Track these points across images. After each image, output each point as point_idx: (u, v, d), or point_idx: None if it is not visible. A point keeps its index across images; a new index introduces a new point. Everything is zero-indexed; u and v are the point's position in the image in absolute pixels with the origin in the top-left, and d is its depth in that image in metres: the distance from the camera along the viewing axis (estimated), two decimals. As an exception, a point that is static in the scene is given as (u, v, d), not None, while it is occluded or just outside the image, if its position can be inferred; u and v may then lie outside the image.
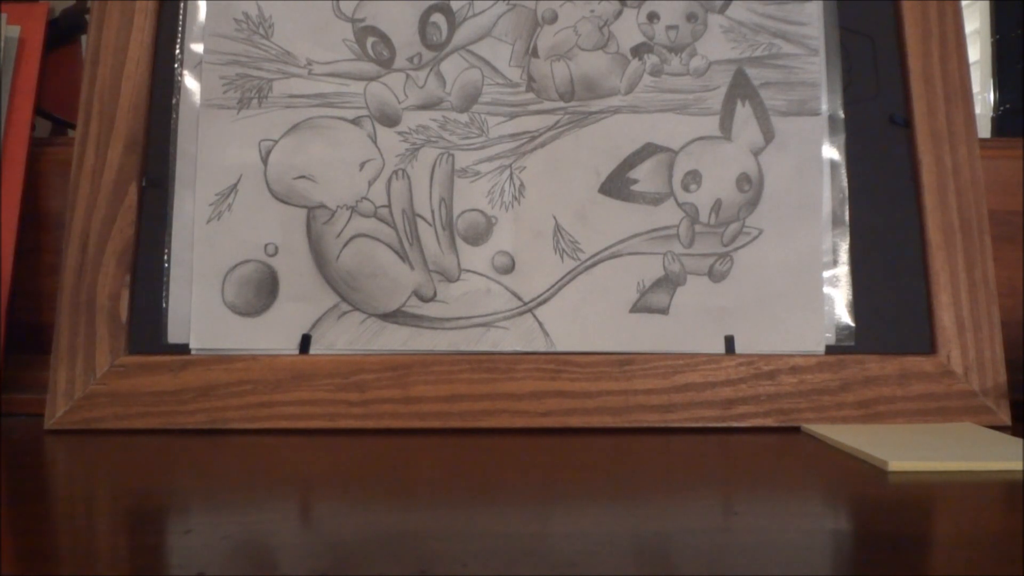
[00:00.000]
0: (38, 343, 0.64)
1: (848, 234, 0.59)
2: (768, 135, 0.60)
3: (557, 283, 0.58)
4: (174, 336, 0.57)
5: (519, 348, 0.57)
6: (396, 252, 0.58)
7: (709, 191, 0.59)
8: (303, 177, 0.58)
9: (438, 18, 0.60)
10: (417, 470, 0.46)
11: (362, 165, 0.59)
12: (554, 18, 0.60)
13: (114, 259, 0.57)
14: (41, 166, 0.66)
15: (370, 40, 0.60)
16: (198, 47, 0.60)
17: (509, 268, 0.58)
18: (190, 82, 0.59)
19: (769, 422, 0.55)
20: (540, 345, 0.57)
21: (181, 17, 0.60)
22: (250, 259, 0.57)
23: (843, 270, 0.59)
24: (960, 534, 0.36)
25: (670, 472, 0.46)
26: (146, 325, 0.57)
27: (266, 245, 0.58)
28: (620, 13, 0.60)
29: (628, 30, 0.60)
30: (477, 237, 0.58)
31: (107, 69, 0.59)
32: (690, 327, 0.57)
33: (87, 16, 0.66)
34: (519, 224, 0.58)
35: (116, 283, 0.57)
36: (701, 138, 0.59)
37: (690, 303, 0.58)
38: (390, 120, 0.59)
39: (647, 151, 0.59)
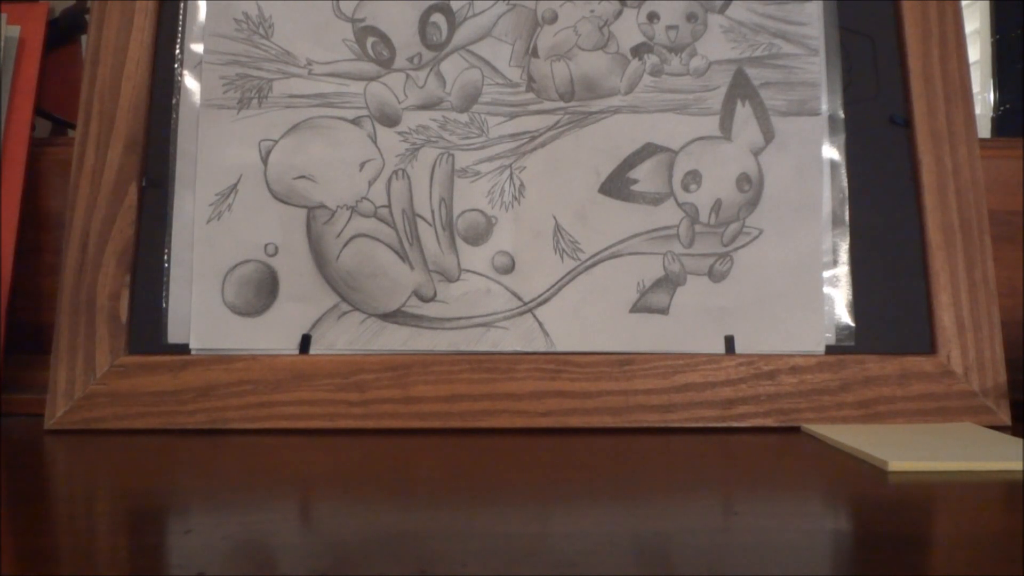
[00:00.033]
0: (38, 343, 0.64)
1: (848, 234, 0.59)
2: (768, 135, 0.60)
3: (557, 283, 0.58)
4: (174, 336, 0.57)
5: (519, 348, 0.57)
6: (396, 252, 0.58)
7: (709, 191, 0.59)
8: (303, 177, 0.58)
9: (438, 18, 0.60)
10: (417, 470, 0.46)
11: (362, 165, 0.59)
12: (554, 18, 0.60)
13: (114, 259, 0.57)
14: (41, 166, 0.66)
15: (370, 40, 0.60)
16: (198, 47, 0.60)
17: (509, 268, 0.58)
18: (190, 82, 0.59)
19: (769, 422, 0.55)
20: (540, 345, 0.57)
21: (181, 17, 0.60)
22: (250, 259, 0.57)
23: (843, 270, 0.59)
24: (960, 534, 0.36)
25: (670, 472, 0.46)
26: (146, 325, 0.57)
27: (266, 245, 0.58)
28: (620, 13, 0.60)
29: (628, 30, 0.60)
30: (477, 237, 0.58)
31: (107, 69, 0.59)
32: (690, 327, 0.57)
33: (87, 16, 0.66)
34: (519, 224, 0.58)
35: (116, 283, 0.57)
36: (701, 138, 0.59)
37: (690, 303, 0.58)
38: (390, 120, 0.59)
39: (647, 151, 0.59)
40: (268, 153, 0.58)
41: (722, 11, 0.61)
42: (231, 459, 0.49)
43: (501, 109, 0.59)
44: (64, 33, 0.72)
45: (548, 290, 0.58)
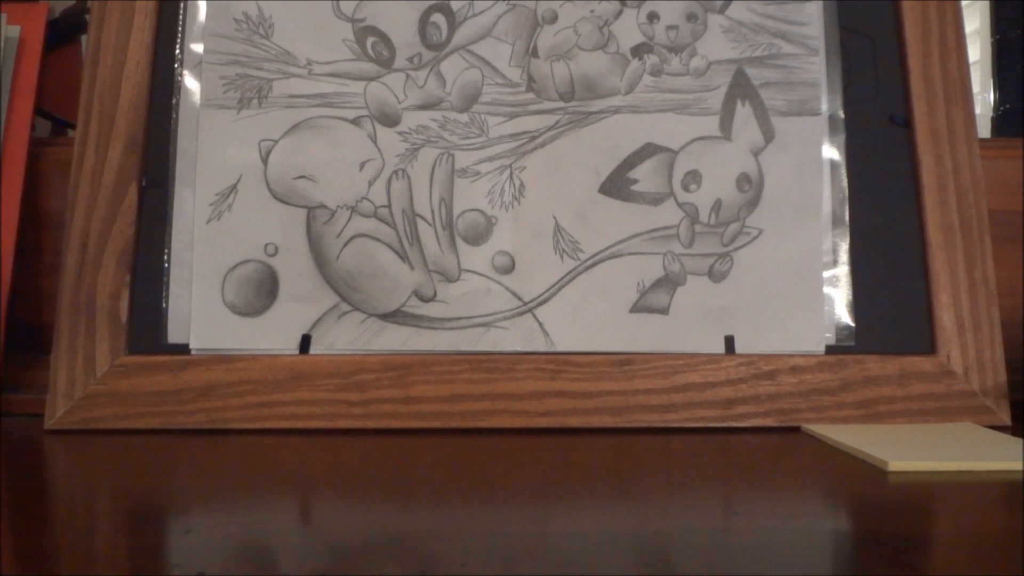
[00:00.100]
0: (38, 343, 0.64)
1: (848, 234, 0.59)
2: (768, 135, 0.60)
3: (557, 283, 0.58)
4: (174, 336, 0.57)
5: (519, 348, 0.57)
6: (396, 252, 0.58)
7: (709, 191, 0.59)
8: (303, 177, 0.58)
9: (438, 18, 0.60)
10: (417, 470, 0.46)
11: (362, 165, 0.59)
12: (554, 18, 0.60)
13: (114, 259, 0.57)
14: (41, 166, 0.66)
15: (370, 40, 0.60)
16: (198, 47, 0.60)
17: (509, 268, 0.58)
18: (190, 82, 0.59)
19: (769, 422, 0.55)
20: (540, 345, 0.57)
21: (181, 17, 0.60)
22: (250, 259, 0.57)
23: (843, 270, 0.59)
24: (960, 534, 0.36)
25: (670, 472, 0.46)
26: (146, 325, 0.57)
27: (266, 245, 0.58)
28: (620, 13, 0.60)
29: (628, 30, 0.60)
30: (477, 237, 0.58)
31: (107, 69, 0.59)
32: (690, 327, 0.57)
33: (87, 16, 0.66)
34: (519, 224, 0.58)
35: (116, 283, 0.57)
36: (701, 138, 0.59)
37: (690, 303, 0.58)
38: (390, 120, 0.59)
39: (647, 151, 0.59)
40: (268, 153, 0.58)
41: (722, 11, 0.61)
42: (231, 459, 0.49)
43: (501, 109, 0.59)
44: (64, 33, 0.72)
45: (548, 290, 0.58)
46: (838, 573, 0.32)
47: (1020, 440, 0.49)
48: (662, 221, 0.59)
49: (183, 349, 0.56)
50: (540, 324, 0.57)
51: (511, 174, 0.59)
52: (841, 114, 0.60)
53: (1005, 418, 0.56)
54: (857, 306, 0.58)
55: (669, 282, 0.58)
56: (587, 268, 0.58)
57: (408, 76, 0.59)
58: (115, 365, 0.55)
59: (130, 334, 0.56)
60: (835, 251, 0.59)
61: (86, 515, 0.38)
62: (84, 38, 0.69)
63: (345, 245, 0.58)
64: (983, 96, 0.90)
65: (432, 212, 0.58)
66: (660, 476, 0.45)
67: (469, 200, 0.58)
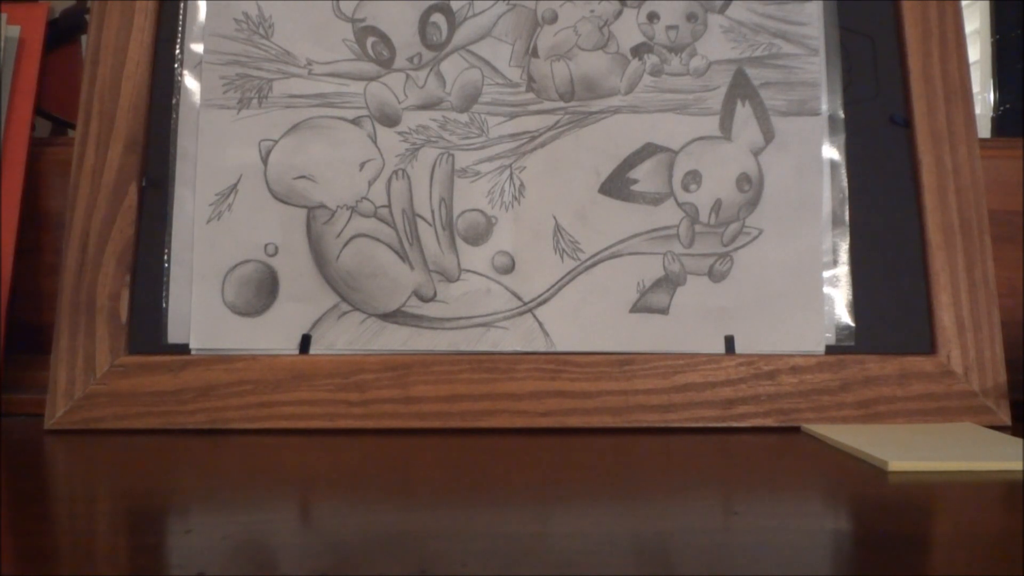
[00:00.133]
0: (38, 343, 0.64)
1: (848, 234, 0.59)
2: (768, 135, 0.60)
3: (557, 283, 0.58)
4: (174, 336, 0.57)
5: (519, 348, 0.57)
6: (396, 252, 0.58)
7: (709, 191, 0.59)
8: (303, 177, 0.58)
9: (438, 18, 0.60)
10: (417, 470, 0.46)
11: (362, 165, 0.59)
12: (554, 18, 0.60)
13: (114, 259, 0.57)
14: (41, 166, 0.66)
15: (370, 40, 0.60)
16: (198, 47, 0.60)
17: (509, 268, 0.58)
18: (190, 82, 0.59)
19: (769, 422, 0.55)
20: (540, 345, 0.57)
21: (181, 17, 0.60)
22: (250, 259, 0.57)
23: (843, 270, 0.59)
24: (960, 534, 0.36)
25: (670, 472, 0.46)
26: (146, 325, 0.57)
27: (266, 245, 0.58)
28: (620, 13, 0.60)
29: (628, 30, 0.60)
30: (477, 237, 0.58)
31: (107, 69, 0.59)
32: (690, 327, 0.57)
33: (87, 16, 0.66)
34: (519, 224, 0.58)
35: (116, 283, 0.57)
36: (701, 138, 0.59)
37: (690, 303, 0.58)
38: (390, 120, 0.59)
39: (647, 151, 0.59)
40: (268, 153, 0.58)
41: (722, 11, 0.61)
42: (231, 459, 0.49)
43: (501, 109, 0.59)
44: (64, 33, 0.72)
45: (548, 290, 0.58)
46: (838, 573, 0.32)
47: (1020, 440, 0.49)
48: (662, 221, 0.59)
49: (183, 349, 0.56)
50: (540, 324, 0.57)
51: (511, 174, 0.59)
52: (841, 114, 0.60)
53: (1005, 418, 0.56)
54: (857, 306, 0.58)
55: (669, 282, 0.58)
56: (587, 268, 0.58)
57: (408, 76, 0.59)
58: (115, 365, 0.55)
59: (130, 334, 0.56)
60: (835, 251, 0.59)
61: (86, 515, 0.38)
62: (84, 38, 0.69)
63: (345, 245, 0.58)
64: (983, 96, 0.90)
65: (432, 212, 0.58)
66: (660, 476, 0.45)
67: (469, 200, 0.58)
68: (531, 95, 0.60)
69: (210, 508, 0.39)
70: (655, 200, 0.59)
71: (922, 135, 0.60)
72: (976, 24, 0.93)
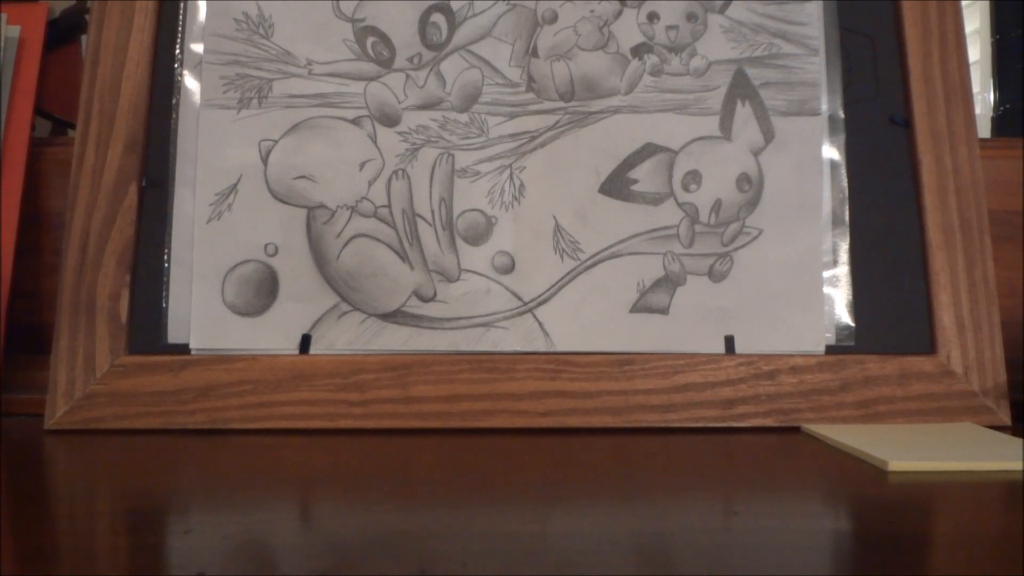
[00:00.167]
0: (38, 343, 0.64)
1: (848, 234, 0.59)
2: (768, 135, 0.60)
3: (557, 283, 0.58)
4: (174, 336, 0.57)
5: (519, 348, 0.57)
6: (396, 252, 0.58)
7: (709, 191, 0.59)
8: (303, 177, 0.58)
9: (438, 18, 0.60)
10: (417, 470, 0.46)
11: (362, 165, 0.59)
12: (554, 18, 0.60)
13: (114, 259, 0.57)
14: (41, 166, 0.66)
15: (370, 40, 0.60)
16: (198, 47, 0.60)
17: (509, 268, 0.58)
18: (190, 82, 0.59)
19: (769, 422, 0.55)
20: (540, 345, 0.57)
21: (181, 17, 0.60)
22: (250, 259, 0.57)
23: (843, 270, 0.59)
24: (960, 534, 0.36)
25: (670, 472, 0.46)
26: (146, 325, 0.57)
27: (266, 245, 0.58)
28: (620, 13, 0.60)
29: (628, 30, 0.60)
30: (477, 237, 0.58)
31: (107, 69, 0.59)
32: (690, 327, 0.57)
33: (87, 16, 0.66)
34: (519, 224, 0.58)
35: (116, 283, 0.57)
36: (701, 138, 0.59)
37: (690, 303, 0.58)
38: (390, 120, 0.59)
39: (647, 151, 0.59)
40: (268, 153, 0.58)
41: (722, 11, 0.61)
42: (231, 459, 0.49)
43: (501, 109, 0.59)
44: (64, 33, 0.72)
45: (548, 290, 0.58)
46: (838, 573, 0.32)
47: (1020, 440, 0.49)
48: (662, 221, 0.59)
49: (183, 349, 0.56)
50: (540, 324, 0.57)
51: (511, 174, 0.59)
52: (841, 114, 0.60)
53: (1005, 418, 0.56)
54: (857, 306, 0.58)
55: (669, 282, 0.58)
56: (587, 268, 0.58)
57: (408, 76, 0.59)
58: (115, 365, 0.55)
59: (130, 334, 0.56)
60: (835, 251, 0.59)
61: (86, 515, 0.38)
62: (84, 38, 0.69)
63: (345, 245, 0.58)
64: (983, 96, 0.90)
65: (432, 212, 0.58)
66: (660, 476, 0.45)
67: (469, 200, 0.58)
68: (531, 95, 0.60)
69: (210, 508, 0.39)
70: (655, 200, 0.59)
71: (922, 135, 0.60)
72: (976, 24, 0.94)
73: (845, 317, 0.58)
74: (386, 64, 0.60)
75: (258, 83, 0.59)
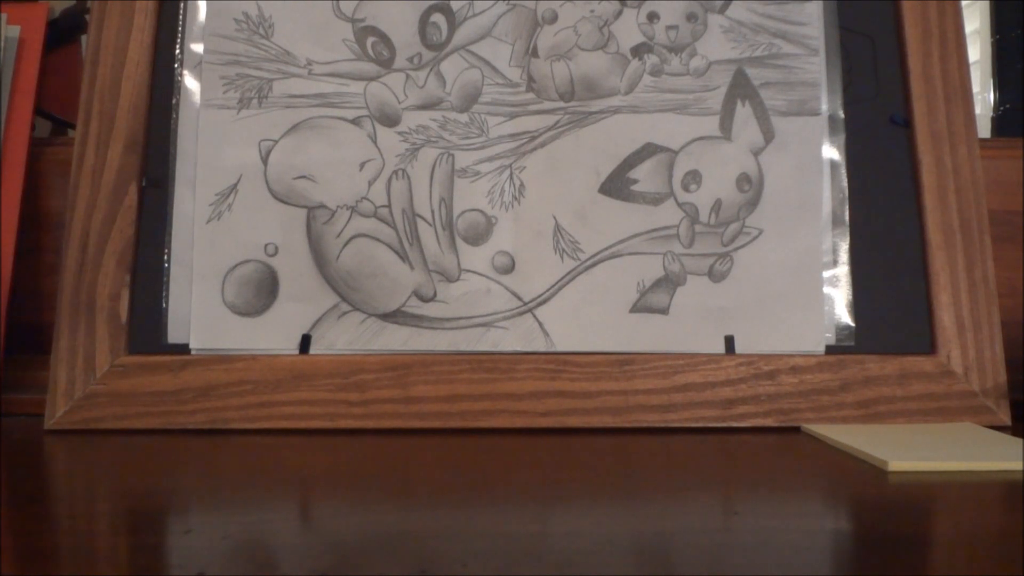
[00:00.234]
0: (38, 343, 0.64)
1: (848, 234, 0.59)
2: (768, 135, 0.60)
3: (557, 283, 0.58)
4: (174, 336, 0.57)
5: (519, 348, 0.57)
6: (396, 252, 0.58)
7: (709, 191, 0.59)
8: (303, 177, 0.58)
9: (438, 18, 0.60)
10: (417, 470, 0.46)
11: (362, 165, 0.59)
12: (554, 18, 0.60)
13: (114, 259, 0.57)
14: (41, 166, 0.66)
15: (370, 40, 0.60)
16: (198, 47, 0.60)
17: (509, 268, 0.58)
18: (190, 82, 0.59)
19: (769, 422, 0.55)
20: (540, 345, 0.57)
21: (181, 17, 0.60)
22: (250, 259, 0.57)
23: (843, 270, 0.59)
24: (960, 534, 0.36)
25: (670, 472, 0.46)
26: (146, 325, 0.57)
27: (266, 245, 0.58)
28: (620, 13, 0.60)
29: (628, 30, 0.60)
30: (477, 237, 0.58)
31: (107, 69, 0.59)
32: (690, 327, 0.57)
33: (87, 16, 0.66)
34: (519, 224, 0.58)
35: (116, 283, 0.57)
36: (701, 138, 0.59)
37: (690, 303, 0.58)
38: (390, 120, 0.59)
39: (647, 151, 0.59)
40: (268, 153, 0.58)
41: (722, 11, 0.61)
42: (231, 459, 0.49)
43: (501, 109, 0.59)
44: (64, 33, 0.72)
45: (548, 290, 0.58)
46: (838, 573, 0.32)
47: (1020, 440, 0.49)
48: (662, 221, 0.59)
49: (183, 349, 0.56)
50: (540, 324, 0.57)
51: (511, 174, 0.59)
52: (841, 114, 0.60)
53: (1005, 418, 0.56)
54: (857, 306, 0.58)
55: (669, 282, 0.58)
56: (587, 268, 0.58)
57: (408, 76, 0.59)
58: (115, 365, 0.55)
59: (130, 334, 0.56)
60: (835, 251, 0.59)
61: (86, 515, 0.38)
62: (84, 38, 0.69)
63: (345, 245, 0.58)
64: (983, 96, 0.90)
65: (432, 212, 0.58)
66: (660, 476, 0.45)
67: (469, 200, 0.58)
68: (531, 95, 0.60)
69: (210, 508, 0.39)
70: (655, 200, 0.59)
71: (922, 135, 0.60)
72: (976, 24, 0.94)
73: (845, 317, 0.58)
74: (386, 64, 0.60)
75: (258, 83, 0.59)
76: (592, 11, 0.60)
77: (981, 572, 0.31)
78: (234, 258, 0.57)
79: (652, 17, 0.60)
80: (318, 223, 0.58)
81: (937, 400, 0.56)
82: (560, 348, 0.57)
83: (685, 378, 0.56)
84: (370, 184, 0.58)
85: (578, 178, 0.59)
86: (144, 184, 0.58)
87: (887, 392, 0.56)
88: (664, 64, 0.60)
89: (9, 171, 0.63)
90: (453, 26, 0.60)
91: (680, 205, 0.59)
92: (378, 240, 0.58)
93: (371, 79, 0.59)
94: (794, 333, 0.57)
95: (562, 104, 0.59)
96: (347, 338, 0.57)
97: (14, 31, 0.65)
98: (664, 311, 0.58)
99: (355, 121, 0.59)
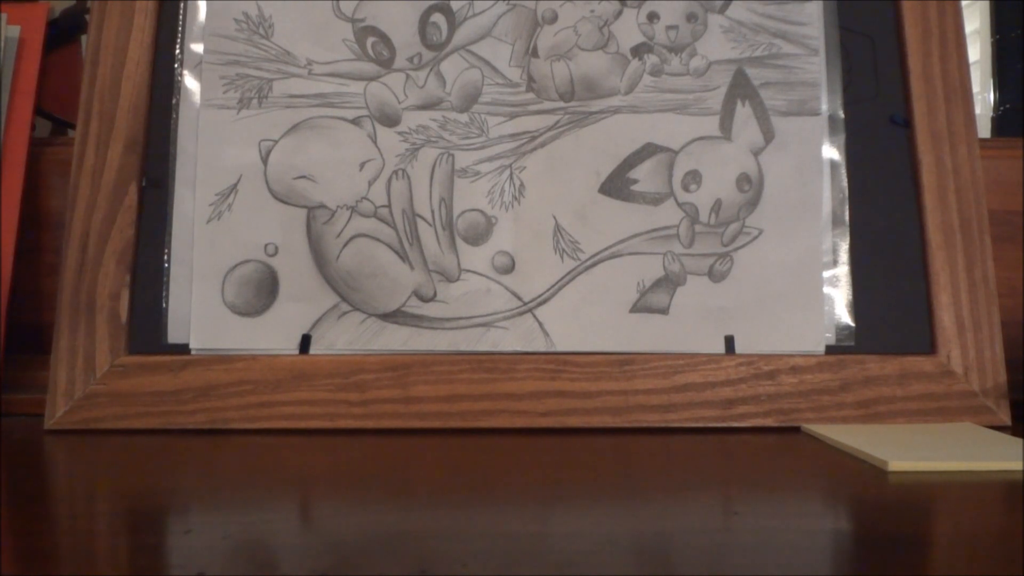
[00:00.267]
0: (38, 343, 0.64)
1: (848, 234, 0.59)
2: (768, 135, 0.60)
3: (557, 283, 0.58)
4: (174, 336, 0.57)
5: (519, 348, 0.57)
6: (396, 252, 0.58)
7: (709, 191, 0.59)
8: (303, 177, 0.58)
9: (438, 18, 0.60)
10: (417, 470, 0.46)
11: (362, 165, 0.59)
12: (554, 18, 0.60)
13: (114, 259, 0.57)
14: (41, 166, 0.66)
15: (370, 40, 0.60)
16: (198, 47, 0.60)
17: (509, 268, 0.58)
18: (190, 82, 0.59)
19: (769, 422, 0.55)
20: (540, 345, 0.57)
21: (181, 17, 0.60)
22: (250, 259, 0.57)
23: (843, 270, 0.59)
24: (960, 534, 0.36)
25: (670, 472, 0.46)
26: (146, 325, 0.57)
27: (266, 245, 0.58)
28: (620, 13, 0.60)
29: (628, 30, 0.60)
30: (477, 237, 0.58)
31: (107, 69, 0.59)
32: (690, 327, 0.57)
33: (87, 16, 0.66)
34: (519, 224, 0.58)
35: (116, 283, 0.57)
36: (701, 138, 0.59)
37: (690, 303, 0.58)
38: (390, 120, 0.59)
39: (647, 151, 0.59)
40: (268, 153, 0.58)
41: (722, 11, 0.61)
42: (231, 459, 0.49)
43: (501, 109, 0.59)
44: (64, 33, 0.72)
45: (548, 290, 0.58)
46: (838, 573, 0.32)
47: (1020, 440, 0.49)
48: (662, 221, 0.59)
49: (183, 349, 0.56)
50: (540, 324, 0.57)
51: (511, 174, 0.59)
52: (841, 114, 0.60)
53: (1005, 418, 0.56)
54: (857, 306, 0.58)
55: (669, 282, 0.58)
56: (587, 268, 0.58)
57: (408, 76, 0.59)
58: (115, 365, 0.55)
59: (130, 334, 0.56)
60: (835, 251, 0.59)
61: (86, 515, 0.38)
62: (84, 38, 0.69)
63: (345, 245, 0.58)
64: (983, 96, 0.90)
65: (432, 212, 0.58)
66: (660, 476, 0.45)
67: (469, 200, 0.58)
68: (531, 95, 0.60)
69: (210, 508, 0.39)
70: (655, 200, 0.59)
71: (922, 135, 0.60)
72: (976, 24, 0.94)
73: (845, 317, 0.58)
74: (386, 64, 0.60)
75: (258, 83, 0.59)
76: (592, 11, 0.60)
77: (981, 572, 0.31)
78: (234, 258, 0.57)
79: (652, 17, 0.60)
80: (318, 223, 0.58)
81: (937, 400, 0.56)
82: (560, 348, 0.57)
83: (685, 378, 0.56)
84: (370, 184, 0.58)
85: (578, 178, 0.59)
86: (144, 184, 0.58)
87: (887, 392, 0.56)
88: (664, 64, 0.60)
89: (9, 171, 0.63)
90: (453, 26, 0.60)
91: (680, 205, 0.59)
92: (378, 240, 0.58)
93: (371, 79, 0.59)
94: (794, 333, 0.57)
95: (562, 104, 0.59)
96: (347, 338, 0.57)
97: (14, 31, 0.65)
98: (664, 311, 0.58)
99: (355, 121, 0.59)
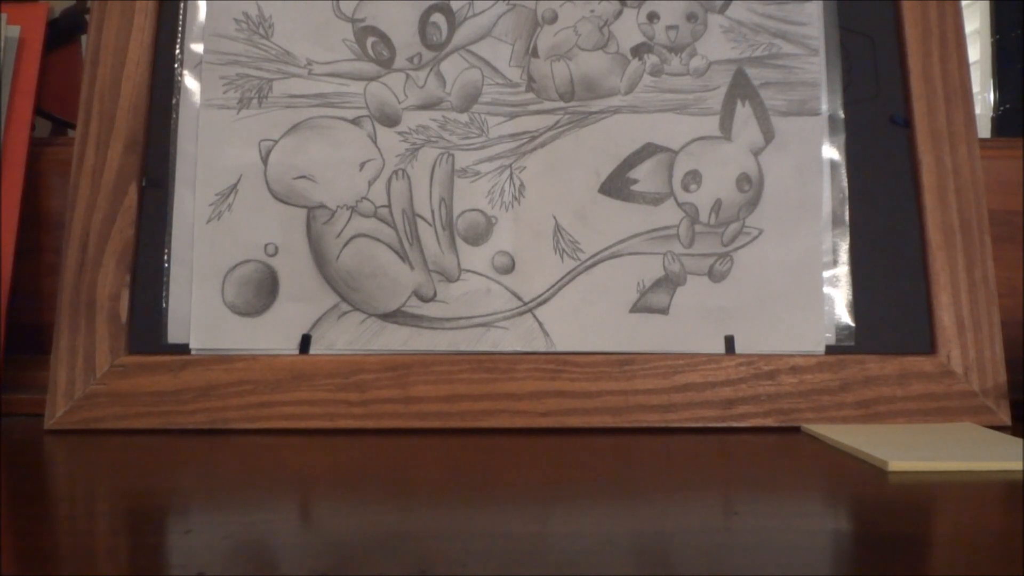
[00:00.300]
0: (38, 343, 0.64)
1: (848, 234, 0.59)
2: (768, 135, 0.60)
3: (557, 283, 0.58)
4: (174, 336, 0.57)
5: (519, 348, 0.57)
6: (396, 252, 0.58)
7: (709, 191, 0.59)
8: (303, 177, 0.58)
9: (438, 18, 0.60)
10: (417, 470, 0.46)
11: (362, 165, 0.59)
12: (554, 18, 0.60)
13: (114, 259, 0.57)
14: (41, 166, 0.66)
15: (370, 40, 0.60)
16: (198, 47, 0.60)
17: (509, 268, 0.58)
18: (190, 82, 0.59)
19: (769, 422, 0.55)
20: (540, 345, 0.57)
21: (181, 17, 0.60)
22: (250, 259, 0.57)
23: (843, 270, 0.59)
24: (960, 534, 0.36)
25: (670, 472, 0.46)
26: (146, 325, 0.57)
27: (266, 245, 0.58)
28: (620, 13, 0.60)
29: (628, 30, 0.60)
30: (477, 237, 0.58)
31: (107, 69, 0.59)
32: (690, 327, 0.57)
33: (87, 16, 0.66)
34: (519, 224, 0.58)
35: (116, 283, 0.57)
36: (701, 138, 0.59)
37: (690, 303, 0.58)
38: (390, 120, 0.59)
39: (647, 151, 0.59)
40: (268, 153, 0.58)
41: (722, 11, 0.61)
42: (231, 459, 0.49)
43: (501, 109, 0.59)
44: (64, 33, 0.72)
45: (548, 290, 0.58)
46: (838, 573, 0.32)
47: (1020, 440, 0.49)
48: (662, 221, 0.59)
49: (183, 349, 0.56)
50: (540, 324, 0.57)
51: (511, 174, 0.59)
52: (841, 114, 0.60)
53: (1005, 418, 0.56)
54: (857, 306, 0.58)
55: (669, 282, 0.58)
56: (587, 268, 0.58)
57: (408, 76, 0.59)
58: (115, 365, 0.55)
59: (130, 334, 0.56)
60: (835, 251, 0.59)
61: (86, 515, 0.38)
62: (84, 38, 0.69)
63: (345, 245, 0.58)
64: (983, 96, 0.90)
65: (432, 212, 0.58)
66: (660, 476, 0.45)
67: (469, 200, 0.58)
68: (531, 95, 0.60)
69: (210, 508, 0.39)
70: (655, 200, 0.59)
71: (922, 135, 0.60)
72: (976, 24, 0.93)
73: (845, 317, 0.58)
74: (386, 64, 0.60)
75: (258, 83, 0.59)
76: (592, 11, 0.60)
77: (981, 572, 0.31)
78: (234, 258, 0.57)
79: (652, 17, 0.60)
80: (318, 223, 0.58)
81: (937, 400, 0.56)
82: (560, 348, 0.57)
83: (685, 378, 0.56)
84: (370, 184, 0.58)
85: (578, 178, 0.59)
86: (144, 184, 0.58)
87: (887, 392, 0.56)
88: (664, 64, 0.60)
89: (9, 171, 0.63)
90: (453, 26, 0.60)
91: (680, 205, 0.59)
92: (378, 240, 0.58)
93: (371, 79, 0.59)
94: (794, 333, 0.57)
95: (562, 104, 0.59)
96: (347, 338, 0.57)
97: (14, 31, 0.65)
98: (664, 311, 0.58)
99: (355, 121, 0.59)
